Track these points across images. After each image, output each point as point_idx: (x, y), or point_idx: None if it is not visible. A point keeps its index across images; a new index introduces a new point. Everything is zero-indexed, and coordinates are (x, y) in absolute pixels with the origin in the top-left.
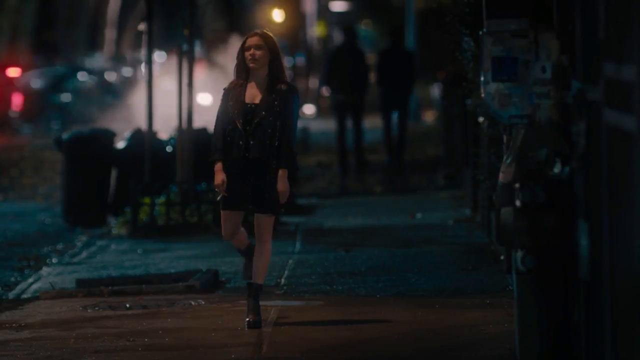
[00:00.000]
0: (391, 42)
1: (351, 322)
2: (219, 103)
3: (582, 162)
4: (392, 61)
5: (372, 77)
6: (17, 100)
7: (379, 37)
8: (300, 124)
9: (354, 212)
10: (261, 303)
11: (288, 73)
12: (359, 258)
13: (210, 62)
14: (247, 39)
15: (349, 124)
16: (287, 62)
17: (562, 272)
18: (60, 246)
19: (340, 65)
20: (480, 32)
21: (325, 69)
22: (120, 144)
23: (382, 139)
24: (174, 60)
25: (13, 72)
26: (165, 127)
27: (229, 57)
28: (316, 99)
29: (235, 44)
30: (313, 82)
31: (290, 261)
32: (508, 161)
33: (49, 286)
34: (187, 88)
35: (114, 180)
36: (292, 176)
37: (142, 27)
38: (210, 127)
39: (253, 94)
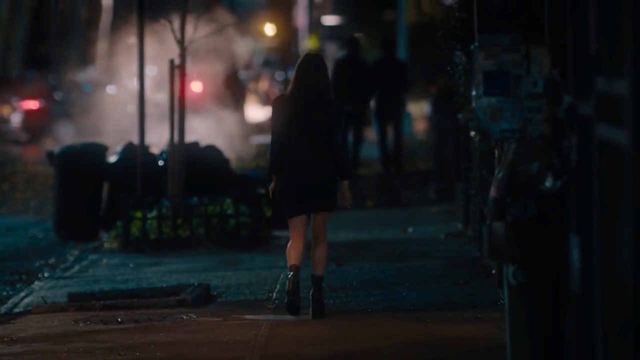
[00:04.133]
0: (383, 52)
1: (342, 336)
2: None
3: (574, 177)
4: (384, 71)
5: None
6: None
7: (370, 50)
8: None
9: (346, 226)
10: (252, 317)
11: (279, 87)
12: (351, 272)
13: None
14: None
15: (350, 135)
16: (279, 76)
17: (554, 286)
18: (52, 260)
19: (344, 76)
20: (472, 47)
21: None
22: (112, 158)
23: (373, 152)
24: (165, 74)
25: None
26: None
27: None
28: None
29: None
30: None
31: (282, 275)
32: (499, 175)
33: (40, 300)
34: (178, 102)
35: (105, 194)
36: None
37: (131, 40)
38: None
39: None
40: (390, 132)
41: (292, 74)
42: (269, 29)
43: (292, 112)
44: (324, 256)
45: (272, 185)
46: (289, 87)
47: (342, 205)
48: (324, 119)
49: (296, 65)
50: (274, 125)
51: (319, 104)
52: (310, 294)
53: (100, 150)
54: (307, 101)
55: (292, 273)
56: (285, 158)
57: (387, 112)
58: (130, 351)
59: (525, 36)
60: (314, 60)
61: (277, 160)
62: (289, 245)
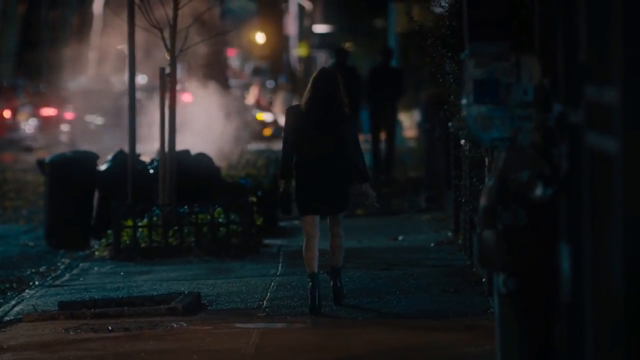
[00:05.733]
0: (382, 60)
1: (333, 344)
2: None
3: (564, 185)
4: (381, 78)
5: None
6: None
7: (361, 58)
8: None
9: None
10: (242, 325)
11: (268, 96)
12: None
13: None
14: None
15: None
16: (269, 84)
17: (544, 294)
18: (42, 268)
19: None
20: (462, 55)
21: None
22: (103, 166)
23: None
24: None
25: None
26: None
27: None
28: None
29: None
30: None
31: (273, 283)
32: (490, 184)
33: (31, 308)
34: (169, 110)
35: (96, 203)
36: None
37: (121, 47)
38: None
39: None
40: (382, 139)
41: (282, 83)
42: (260, 37)
43: (306, 123)
44: (340, 247)
45: (281, 190)
46: (303, 99)
47: (368, 203)
48: (337, 130)
49: (312, 78)
50: (286, 133)
51: (333, 116)
52: (331, 285)
53: (91, 158)
54: (321, 113)
55: (311, 284)
56: (300, 164)
57: (382, 119)
58: (121, 359)
59: (516, 44)
60: (329, 74)
61: (288, 167)
62: (304, 246)
